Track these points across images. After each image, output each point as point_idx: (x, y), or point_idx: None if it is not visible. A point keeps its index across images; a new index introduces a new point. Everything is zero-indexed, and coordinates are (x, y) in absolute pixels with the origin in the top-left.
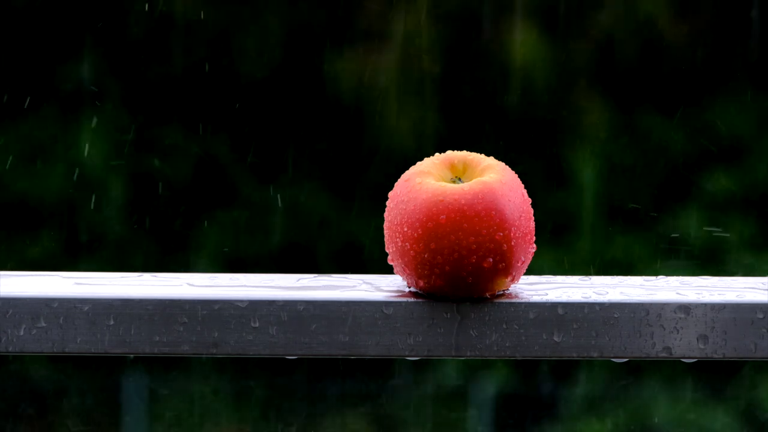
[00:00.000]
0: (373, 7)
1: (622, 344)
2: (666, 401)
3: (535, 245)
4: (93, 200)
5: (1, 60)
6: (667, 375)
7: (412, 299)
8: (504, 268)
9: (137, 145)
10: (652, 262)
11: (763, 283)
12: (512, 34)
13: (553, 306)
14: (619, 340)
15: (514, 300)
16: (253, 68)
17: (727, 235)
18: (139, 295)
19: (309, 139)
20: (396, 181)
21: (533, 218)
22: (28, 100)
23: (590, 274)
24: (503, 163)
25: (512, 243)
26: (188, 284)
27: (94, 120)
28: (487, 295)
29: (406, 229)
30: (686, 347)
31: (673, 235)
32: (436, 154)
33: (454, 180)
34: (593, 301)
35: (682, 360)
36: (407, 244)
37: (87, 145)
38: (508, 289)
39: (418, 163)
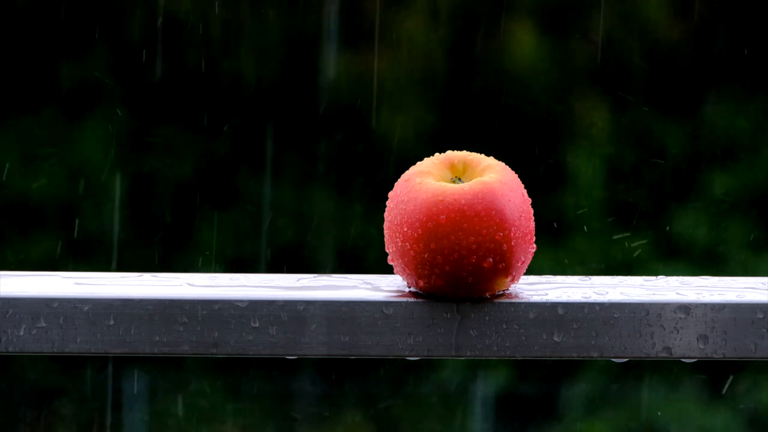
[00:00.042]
0: (373, 7)
1: (622, 344)
2: (666, 401)
3: (535, 245)
4: (93, 200)
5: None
6: (667, 375)
7: (412, 299)
8: (504, 268)
9: (137, 145)
10: (652, 262)
11: (763, 283)
12: (512, 34)
13: (553, 306)
14: (619, 340)
15: (514, 300)
16: (254, 68)
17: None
18: (139, 295)
19: (309, 139)
20: (396, 181)
21: (533, 218)
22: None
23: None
24: (503, 163)
25: (512, 243)
26: (188, 284)
27: (95, 120)
28: (487, 295)
29: (406, 229)
30: (686, 347)
31: (673, 235)
32: (436, 154)
33: (454, 180)
34: (593, 301)
35: (682, 360)
36: (407, 244)
37: (87, 145)
38: (508, 289)
39: (418, 163)
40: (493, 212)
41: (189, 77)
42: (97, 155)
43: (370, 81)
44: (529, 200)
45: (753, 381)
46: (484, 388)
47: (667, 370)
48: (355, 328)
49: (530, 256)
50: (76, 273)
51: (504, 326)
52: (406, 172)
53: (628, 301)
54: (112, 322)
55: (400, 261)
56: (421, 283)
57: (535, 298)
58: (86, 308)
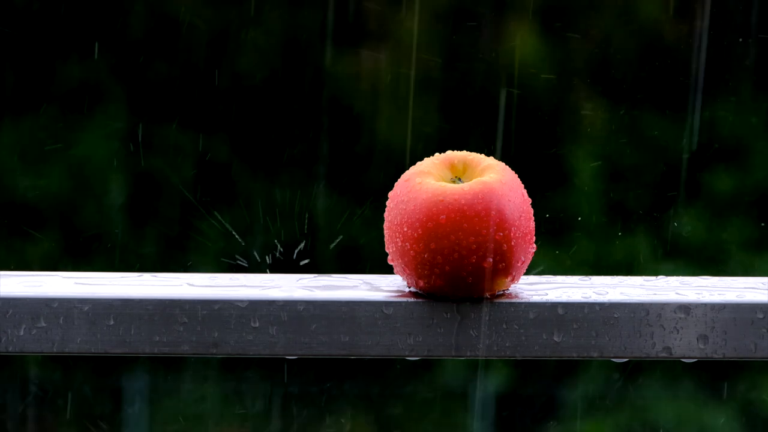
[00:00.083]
0: (373, 7)
1: (622, 344)
2: (666, 401)
3: (535, 245)
4: (93, 200)
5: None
6: (667, 375)
7: (412, 299)
8: (504, 268)
9: (137, 145)
10: (652, 262)
11: (763, 283)
12: (512, 34)
13: (553, 306)
14: (619, 340)
15: (514, 300)
16: (254, 68)
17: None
18: (139, 295)
19: (309, 140)
20: (396, 181)
21: (533, 218)
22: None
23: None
24: (503, 163)
25: (512, 243)
26: (188, 284)
27: (95, 120)
28: (487, 295)
29: (406, 229)
30: (686, 347)
31: (673, 235)
32: (436, 154)
33: (454, 180)
34: (593, 301)
35: (682, 360)
36: (407, 244)
37: (87, 145)
38: (508, 289)
39: (418, 163)
40: (493, 212)
41: (189, 77)
42: (97, 155)
43: (370, 81)
44: (529, 200)
45: (753, 381)
46: (485, 388)
47: (667, 370)
48: (355, 328)
49: (530, 256)
50: (76, 273)
51: (504, 326)
52: (406, 172)
53: (628, 301)
54: (112, 322)
55: (400, 261)
56: (421, 283)
57: (535, 298)
58: (86, 308)
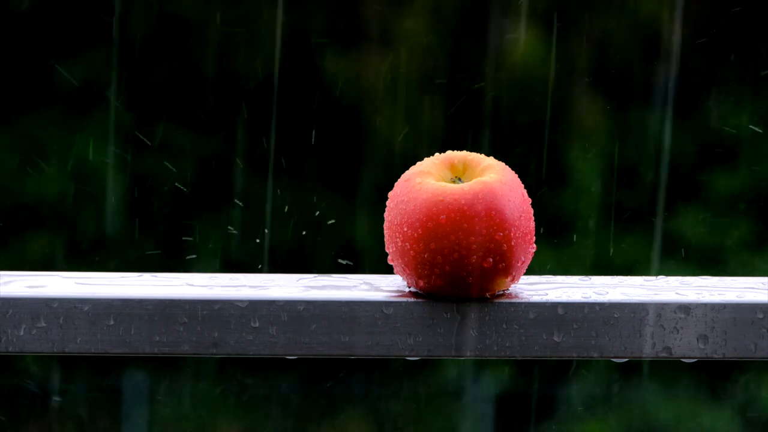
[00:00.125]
0: (373, 7)
1: (622, 344)
2: (666, 401)
3: (535, 245)
4: (93, 200)
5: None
6: (667, 375)
7: (412, 299)
8: (504, 268)
9: (137, 145)
10: (652, 262)
11: (763, 283)
12: (512, 34)
13: (553, 306)
14: (619, 340)
15: (514, 300)
16: (254, 68)
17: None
18: (139, 295)
19: (309, 139)
20: (396, 181)
21: (533, 218)
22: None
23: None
24: (503, 163)
25: (512, 243)
26: (188, 284)
27: (94, 119)
28: (487, 295)
29: (406, 229)
30: (686, 347)
31: (673, 235)
32: (436, 154)
33: (454, 180)
34: (593, 301)
35: (682, 360)
36: (407, 244)
37: (87, 145)
38: (508, 289)
39: (418, 163)
40: (493, 212)
41: (189, 76)
42: (97, 155)
43: (371, 81)
44: (529, 200)
45: (753, 381)
46: (485, 388)
47: (667, 370)
48: (355, 328)
49: (530, 256)
50: (76, 273)
51: (504, 326)
52: (406, 172)
53: (628, 301)
54: (112, 322)
55: (400, 261)
56: (421, 283)
57: (535, 298)
58: (86, 308)
